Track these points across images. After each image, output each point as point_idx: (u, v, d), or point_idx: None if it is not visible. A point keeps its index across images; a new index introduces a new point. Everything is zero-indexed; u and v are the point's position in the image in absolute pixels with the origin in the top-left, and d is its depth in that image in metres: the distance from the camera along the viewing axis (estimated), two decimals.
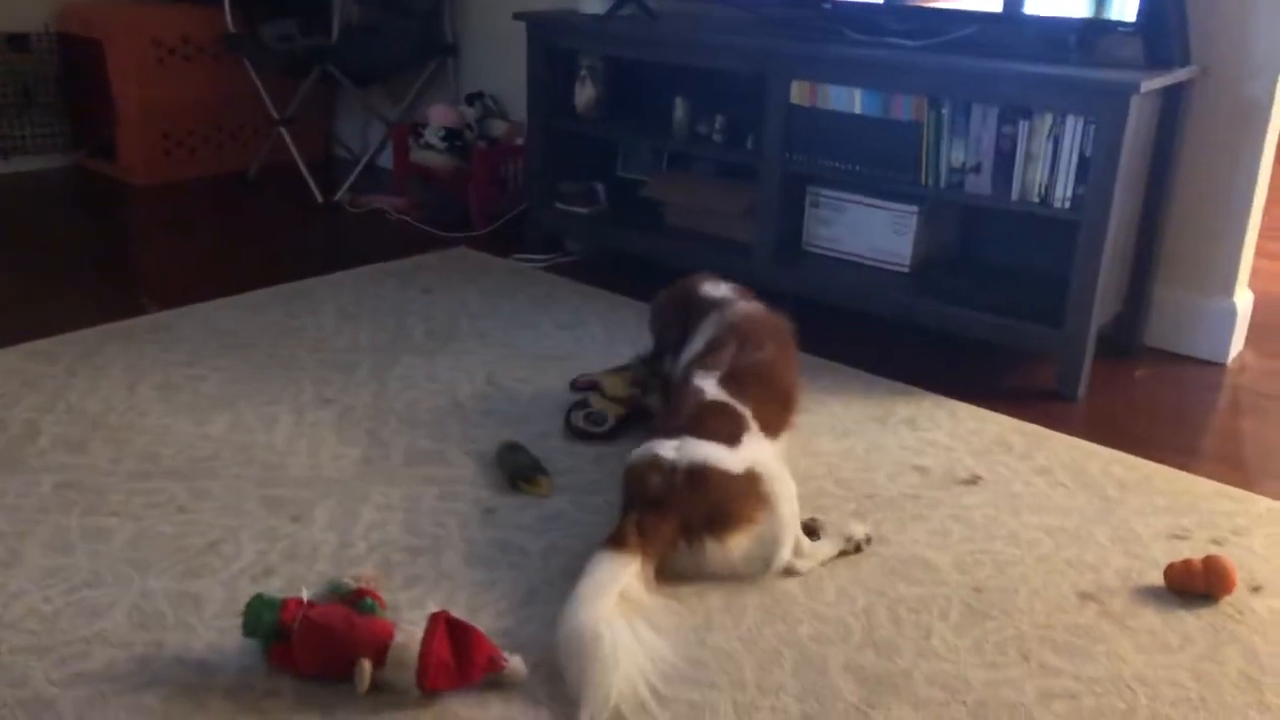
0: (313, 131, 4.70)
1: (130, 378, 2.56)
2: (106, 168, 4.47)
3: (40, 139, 4.50)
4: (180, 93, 4.37)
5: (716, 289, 2.38)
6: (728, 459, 1.88)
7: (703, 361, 2.15)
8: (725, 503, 1.84)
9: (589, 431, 2.36)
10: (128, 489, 2.09)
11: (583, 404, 2.41)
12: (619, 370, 2.50)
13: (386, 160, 4.41)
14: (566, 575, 1.83)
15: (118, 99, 4.30)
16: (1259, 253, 3.21)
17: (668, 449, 1.89)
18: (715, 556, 1.84)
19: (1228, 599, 1.86)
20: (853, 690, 1.62)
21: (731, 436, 1.94)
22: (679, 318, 2.36)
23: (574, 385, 2.51)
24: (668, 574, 1.83)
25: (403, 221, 3.91)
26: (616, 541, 1.78)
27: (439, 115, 4.01)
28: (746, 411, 2.01)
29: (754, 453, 1.93)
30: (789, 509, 1.88)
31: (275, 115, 4.30)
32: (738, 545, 1.84)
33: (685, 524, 1.82)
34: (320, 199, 4.11)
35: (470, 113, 4.05)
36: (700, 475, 1.85)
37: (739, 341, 2.18)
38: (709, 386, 2.05)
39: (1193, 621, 1.81)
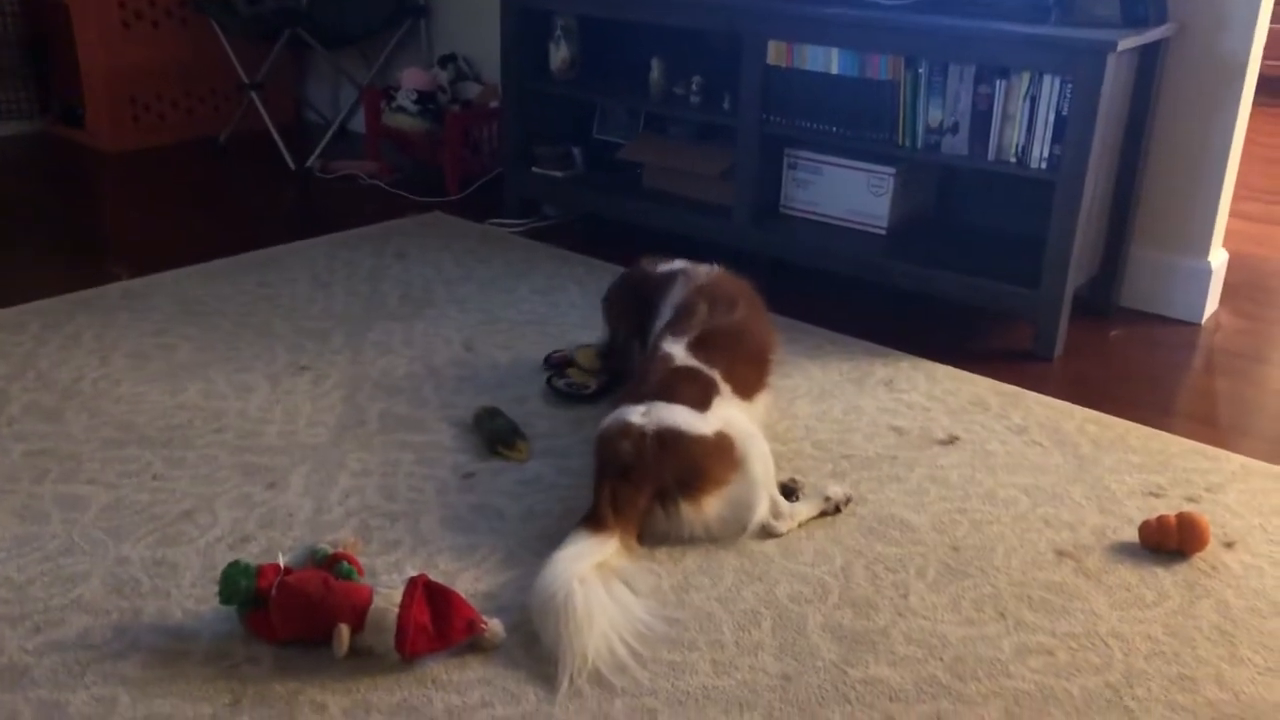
0: (283, 96, 4.64)
1: (101, 346, 2.54)
2: (74, 134, 4.40)
3: (6, 105, 4.43)
4: (148, 57, 4.30)
5: (669, 264, 2.37)
6: (697, 422, 1.88)
7: (672, 327, 2.14)
8: (697, 465, 1.84)
9: (572, 394, 2.35)
10: (102, 457, 2.07)
11: (561, 375, 2.41)
12: (589, 345, 2.48)
13: (358, 124, 4.35)
14: (545, 539, 1.83)
15: (84, 64, 4.22)
16: (1234, 212, 3.22)
17: (636, 415, 1.89)
18: (690, 519, 1.84)
19: (1201, 555, 1.88)
20: (831, 649, 1.63)
21: (701, 401, 1.93)
22: (634, 304, 2.35)
23: (548, 361, 2.50)
24: (645, 537, 1.83)
25: (375, 187, 3.87)
26: (594, 522, 1.78)
27: (411, 78, 3.96)
28: (716, 374, 2.01)
29: (724, 415, 1.93)
30: (762, 470, 1.88)
31: (245, 80, 4.24)
32: (711, 507, 1.85)
33: (658, 489, 1.83)
34: (292, 165, 4.06)
35: (443, 75, 4.00)
36: (670, 439, 1.85)
37: (708, 304, 2.18)
38: (678, 352, 2.05)
39: (1167, 577, 1.83)
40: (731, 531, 1.87)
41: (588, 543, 1.74)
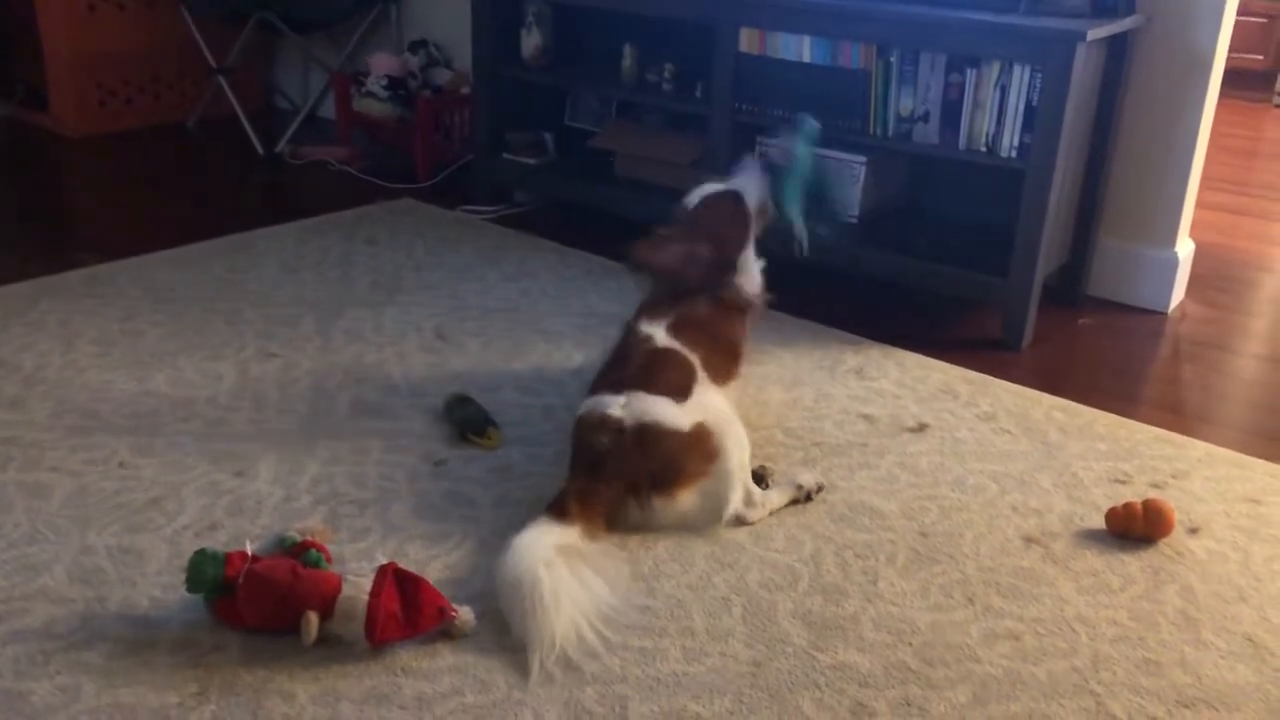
0: (252, 81, 4.60)
1: (66, 333, 2.50)
2: (38, 119, 4.34)
3: None
4: (114, 41, 4.24)
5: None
6: (677, 415, 1.87)
7: (649, 309, 2.12)
8: (673, 460, 1.84)
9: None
10: (67, 445, 2.05)
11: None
12: None
13: (328, 110, 4.32)
14: (516, 526, 1.82)
15: (48, 48, 4.16)
16: (1200, 203, 3.26)
17: (616, 406, 1.87)
18: (664, 512, 1.84)
19: (1166, 541, 1.90)
20: (801, 635, 1.64)
21: (681, 389, 1.92)
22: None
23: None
24: (617, 527, 1.83)
25: (345, 173, 3.84)
26: (558, 511, 1.77)
27: (381, 64, 3.93)
28: (696, 359, 2.00)
29: (704, 404, 1.92)
30: (738, 461, 1.88)
31: (213, 64, 4.19)
32: (686, 500, 1.85)
33: (632, 485, 1.82)
34: (261, 150, 4.03)
35: (414, 61, 3.97)
36: (649, 435, 1.84)
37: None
38: (658, 334, 2.04)
39: (1133, 563, 1.85)
40: (704, 522, 1.87)
41: (548, 528, 1.73)
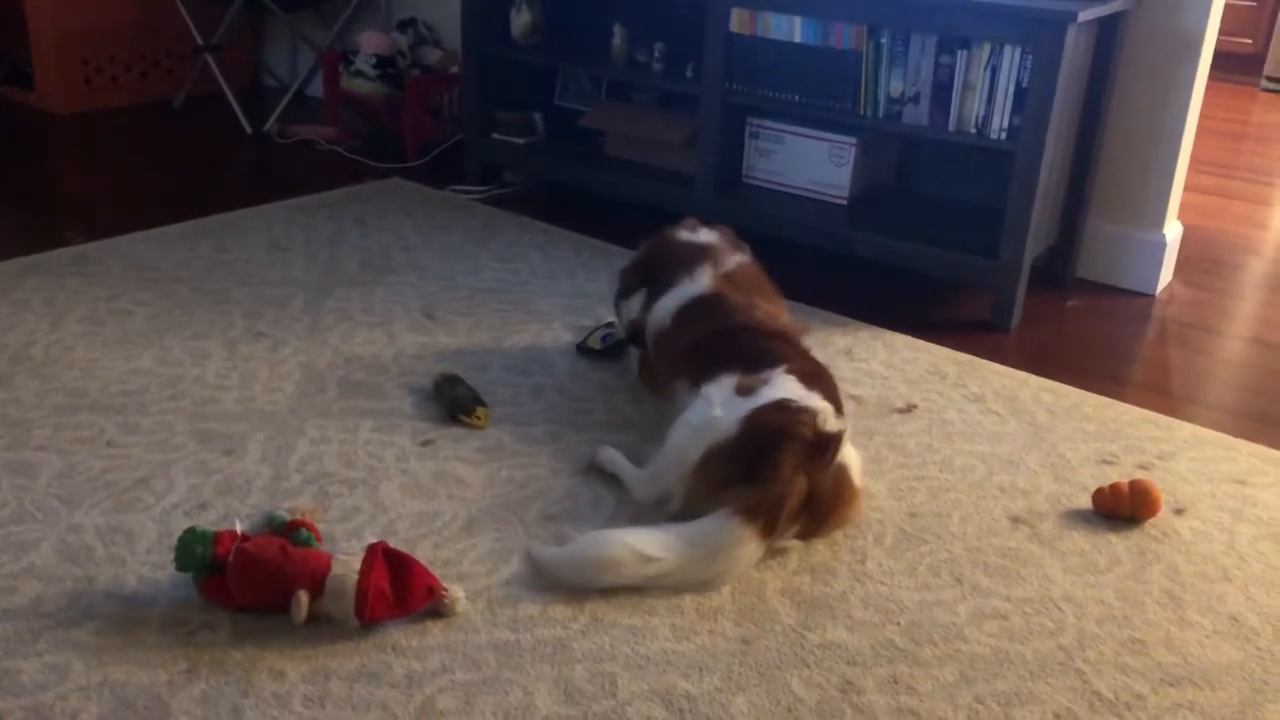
0: (240, 59, 4.56)
1: (53, 311, 2.49)
2: (23, 96, 4.30)
3: None
4: (100, 17, 4.20)
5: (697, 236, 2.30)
6: (856, 468, 1.85)
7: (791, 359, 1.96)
8: (838, 513, 1.80)
9: (593, 349, 2.41)
10: (54, 423, 2.04)
11: (609, 326, 2.44)
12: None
13: (316, 89, 4.29)
14: (506, 505, 1.83)
15: (33, 24, 4.12)
16: (1188, 186, 3.26)
17: (834, 421, 1.79)
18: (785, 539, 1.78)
19: (1152, 521, 1.92)
20: (789, 613, 1.65)
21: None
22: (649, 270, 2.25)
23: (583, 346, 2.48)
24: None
25: (334, 152, 3.82)
26: (764, 524, 1.68)
27: (370, 42, 3.90)
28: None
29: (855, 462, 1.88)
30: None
31: (201, 42, 4.15)
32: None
33: (810, 500, 1.74)
34: (249, 129, 4.00)
35: (403, 40, 3.95)
36: (844, 479, 1.80)
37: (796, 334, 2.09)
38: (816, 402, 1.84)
39: (1119, 543, 1.86)
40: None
41: (737, 549, 1.68)
